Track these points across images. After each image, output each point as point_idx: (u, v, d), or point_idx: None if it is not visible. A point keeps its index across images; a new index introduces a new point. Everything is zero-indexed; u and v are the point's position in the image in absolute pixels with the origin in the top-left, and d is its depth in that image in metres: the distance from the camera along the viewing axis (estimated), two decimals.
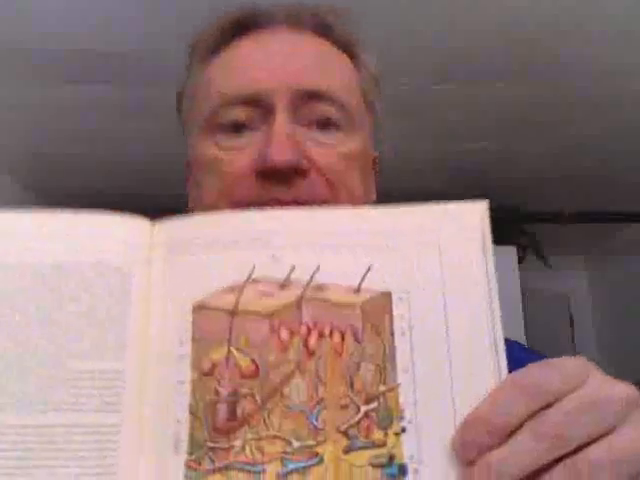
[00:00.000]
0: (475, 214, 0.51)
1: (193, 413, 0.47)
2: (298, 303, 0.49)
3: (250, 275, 0.49)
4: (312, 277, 0.49)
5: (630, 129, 2.97)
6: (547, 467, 0.43)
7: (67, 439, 0.46)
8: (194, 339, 0.49)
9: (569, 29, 2.24)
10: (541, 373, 0.45)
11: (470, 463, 0.44)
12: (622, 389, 0.44)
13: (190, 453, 0.47)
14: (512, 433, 0.43)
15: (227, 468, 0.46)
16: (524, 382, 0.45)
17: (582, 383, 0.44)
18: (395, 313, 0.49)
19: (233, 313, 0.48)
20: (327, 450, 0.46)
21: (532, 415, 0.44)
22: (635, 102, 2.73)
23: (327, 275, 0.49)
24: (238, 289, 0.49)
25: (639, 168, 3.36)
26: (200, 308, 0.49)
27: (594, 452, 0.42)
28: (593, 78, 2.55)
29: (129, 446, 0.47)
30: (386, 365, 0.48)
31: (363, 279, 0.49)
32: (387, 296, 0.49)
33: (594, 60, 2.42)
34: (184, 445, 0.47)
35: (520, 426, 0.44)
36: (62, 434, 0.46)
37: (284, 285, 0.49)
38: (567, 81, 2.57)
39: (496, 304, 0.49)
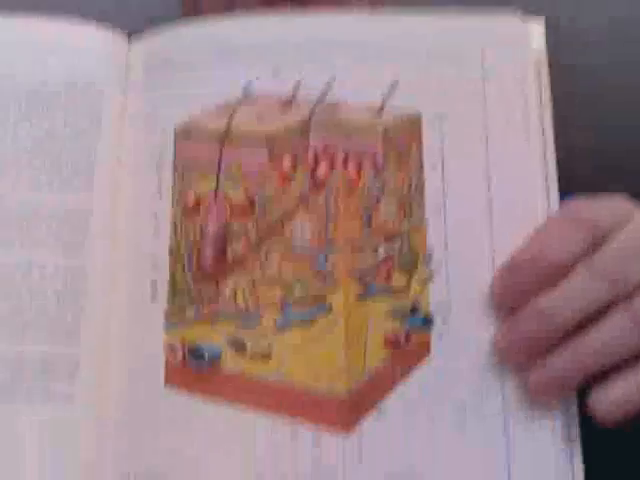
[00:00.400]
0: (529, 32, 0.42)
1: (174, 254, 0.38)
2: (304, 126, 0.39)
3: (245, 93, 0.40)
4: (323, 93, 0.40)
5: None
6: (600, 312, 0.34)
7: (25, 279, 0.38)
8: (176, 169, 0.40)
9: None
10: (592, 208, 0.36)
11: (512, 311, 0.36)
12: None
13: (170, 301, 0.38)
14: (562, 274, 0.35)
15: (214, 317, 0.37)
16: (579, 216, 0.36)
17: (630, 219, 0.36)
18: (425, 141, 0.39)
19: (224, 138, 0.39)
20: (336, 298, 0.37)
21: (585, 253, 0.35)
22: None
23: (342, 91, 0.40)
24: (230, 110, 0.40)
25: None
26: (184, 133, 0.40)
27: None
28: None
29: (97, 292, 0.38)
30: (412, 202, 0.39)
31: (387, 97, 0.40)
32: (416, 120, 0.40)
33: None
34: (163, 292, 0.38)
35: (571, 266, 0.35)
36: (17, 273, 0.38)
37: (287, 104, 0.40)
38: None
39: (550, 137, 0.40)
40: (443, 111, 0.40)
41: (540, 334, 0.35)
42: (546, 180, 0.40)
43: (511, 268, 0.36)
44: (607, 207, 0.37)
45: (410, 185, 0.39)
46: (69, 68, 0.42)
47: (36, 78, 0.41)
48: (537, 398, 0.36)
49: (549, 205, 0.39)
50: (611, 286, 0.34)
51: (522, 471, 0.36)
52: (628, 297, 0.34)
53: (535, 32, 0.42)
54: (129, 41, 0.44)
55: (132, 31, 0.45)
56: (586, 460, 0.36)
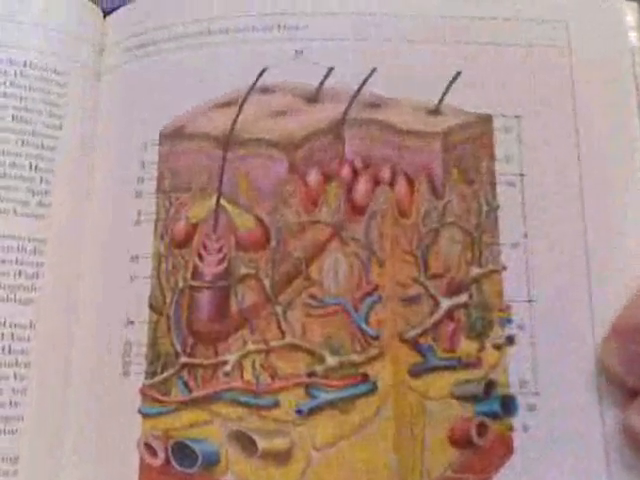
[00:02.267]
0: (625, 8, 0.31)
1: (156, 308, 0.27)
2: (338, 127, 0.28)
3: (257, 81, 0.29)
4: (362, 84, 0.29)
5: None
6: None
7: None
8: (161, 187, 0.29)
9: None
10: None
11: (637, 392, 0.25)
12: None
13: (148, 375, 0.27)
14: None
15: (211, 400, 0.26)
16: None
17: None
18: (498, 150, 0.28)
19: (227, 143, 0.28)
20: (383, 371, 0.26)
21: None
22: None
23: (387, 83, 0.29)
24: (236, 104, 0.29)
25: None
26: (172, 136, 0.29)
27: None
28: None
29: (46, 363, 0.27)
30: (482, 235, 0.28)
31: (447, 91, 0.29)
32: (486, 122, 0.29)
33: None
34: (138, 361, 0.27)
35: None
36: None
37: (315, 98, 0.29)
38: None
39: None
40: (519, 111, 0.29)
41: None
42: None
43: (631, 330, 0.26)
44: None
45: (480, 211, 0.28)
46: (22, 46, 0.30)
47: None
48: None
49: None
50: None
51: None
52: None
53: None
54: (104, 17, 0.32)
55: (109, 8, 0.33)
56: None
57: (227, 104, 0.29)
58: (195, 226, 0.28)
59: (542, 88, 0.29)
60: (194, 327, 0.27)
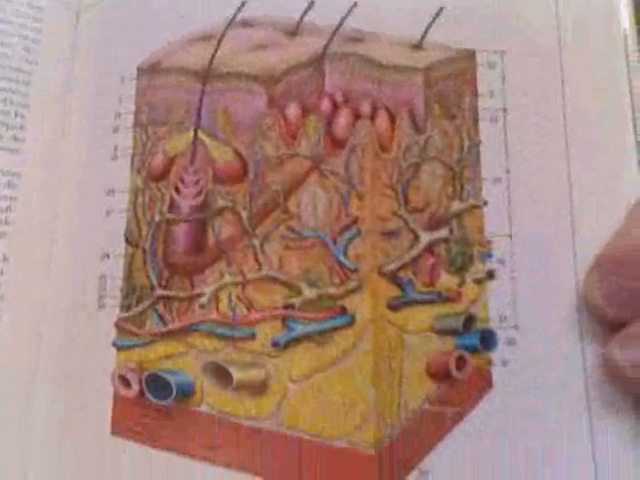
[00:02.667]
0: None
1: (132, 239, 0.27)
2: (319, 61, 0.28)
3: (236, 14, 0.28)
4: (344, 19, 0.28)
5: None
6: None
7: None
8: (138, 121, 0.28)
9: None
10: None
11: (618, 326, 0.25)
12: None
13: (124, 308, 0.26)
14: None
15: (186, 332, 0.26)
16: None
17: None
18: (481, 86, 0.28)
19: (205, 77, 0.28)
20: (362, 304, 0.26)
21: None
22: None
23: (369, 18, 0.28)
24: (215, 38, 0.28)
25: None
26: (150, 70, 0.29)
27: None
28: None
29: (21, 293, 0.27)
30: (464, 170, 0.27)
31: (429, 26, 0.28)
32: (469, 57, 0.28)
33: None
34: (114, 294, 0.26)
35: None
36: None
37: (296, 31, 0.28)
38: None
39: None
40: (503, 47, 0.28)
41: None
42: None
43: (614, 262, 0.25)
44: None
45: (462, 147, 0.27)
46: None
47: None
48: None
49: None
50: None
51: None
52: None
53: None
54: None
55: None
56: None
57: (206, 38, 0.29)
58: (172, 159, 0.27)
59: (527, 22, 0.29)
60: (170, 260, 0.26)
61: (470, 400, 0.26)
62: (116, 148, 0.28)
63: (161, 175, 0.27)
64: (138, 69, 0.29)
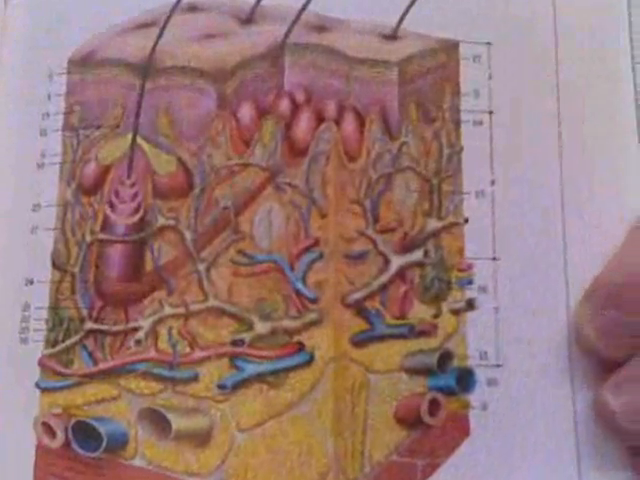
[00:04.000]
0: None
1: (60, 265, 0.23)
2: (277, 53, 0.24)
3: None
4: (307, 3, 0.24)
5: None
6: None
7: None
8: (68, 123, 0.24)
9: None
10: None
11: (613, 366, 0.22)
12: None
13: (50, 343, 0.23)
14: None
15: (121, 372, 0.22)
16: None
17: None
18: (465, 84, 0.24)
19: (145, 71, 0.24)
20: (322, 339, 0.22)
21: None
22: None
23: (336, 1, 0.24)
24: (157, 25, 0.24)
25: None
26: (82, 63, 0.25)
27: None
28: None
29: None
30: (443, 182, 0.23)
31: (407, 12, 0.24)
32: (451, 49, 0.24)
33: None
34: (38, 326, 0.23)
35: None
36: None
37: (251, 18, 0.24)
38: None
39: None
40: (490, 37, 0.24)
41: None
42: None
43: (609, 293, 0.22)
44: None
45: (441, 155, 0.24)
46: None
47: None
48: None
49: None
50: None
51: None
52: None
53: None
54: None
55: None
56: None
57: (147, 25, 0.24)
58: (107, 169, 0.24)
59: (518, 10, 0.25)
60: (102, 287, 0.23)
61: (444, 449, 0.22)
62: (43, 154, 0.24)
63: (93, 187, 0.24)
64: (69, 62, 0.25)
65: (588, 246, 0.23)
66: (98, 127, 0.24)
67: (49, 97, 0.25)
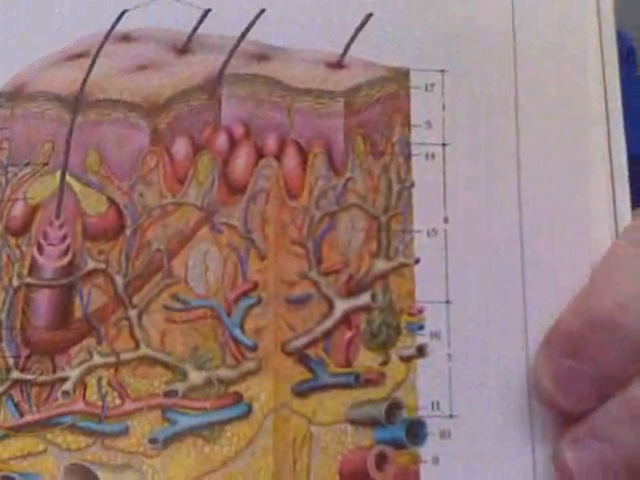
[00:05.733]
0: None
1: None
2: (214, 85, 0.23)
3: (114, 26, 0.23)
4: (247, 30, 0.23)
5: None
6: None
7: None
8: None
9: None
10: None
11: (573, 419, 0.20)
12: None
13: None
14: None
15: (47, 425, 0.21)
16: None
17: None
18: (416, 115, 0.23)
19: (76, 105, 0.22)
20: (261, 390, 0.21)
21: None
22: None
23: (278, 29, 0.23)
24: (89, 55, 0.23)
25: None
26: (12, 97, 0.23)
27: None
28: None
29: None
30: (392, 220, 0.22)
31: (354, 38, 0.23)
32: (401, 77, 0.23)
33: None
34: None
35: None
36: None
37: (186, 48, 0.23)
38: None
39: (618, 117, 0.24)
40: (444, 65, 0.23)
41: None
42: (612, 181, 0.23)
43: (564, 340, 0.20)
44: None
45: (390, 191, 0.22)
46: None
47: None
48: None
49: (616, 221, 0.23)
50: None
51: None
52: None
53: None
54: None
55: None
56: None
57: (79, 55, 0.23)
58: (35, 209, 0.22)
59: (474, 35, 0.23)
60: (29, 335, 0.22)
61: None
62: None
63: (21, 228, 0.22)
64: (0, 94, 0.23)
65: (549, 288, 0.22)
66: (27, 164, 0.23)
67: None
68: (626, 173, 0.24)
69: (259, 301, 0.22)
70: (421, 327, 0.22)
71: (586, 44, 0.24)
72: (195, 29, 0.23)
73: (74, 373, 0.22)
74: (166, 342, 0.22)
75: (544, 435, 0.21)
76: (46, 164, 0.23)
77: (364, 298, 0.22)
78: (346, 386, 0.22)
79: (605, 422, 0.20)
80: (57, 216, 0.22)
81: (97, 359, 0.22)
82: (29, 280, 0.22)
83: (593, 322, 0.21)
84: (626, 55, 0.43)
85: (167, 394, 0.21)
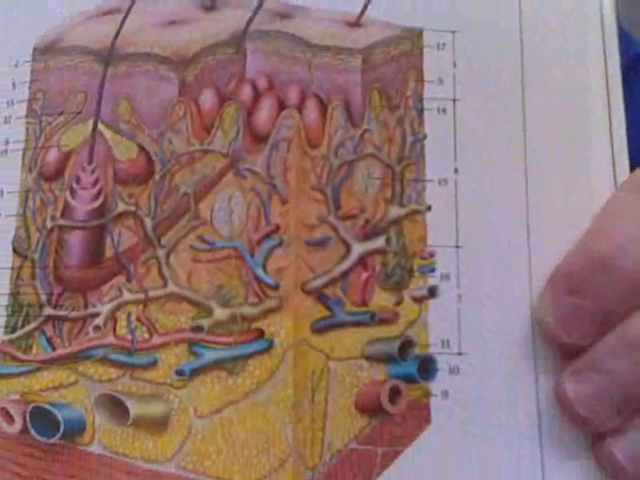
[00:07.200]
0: None
1: (20, 251, 0.23)
2: (239, 40, 0.24)
3: None
4: None
5: None
6: None
7: None
8: (32, 110, 0.24)
9: None
10: None
11: (575, 354, 0.21)
12: None
13: (10, 328, 0.23)
14: None
15: (79, 358, 0.22)
16: None
17: None
18: (429, 72, 0.24)
19: (107, 57, 0.24)
20: (282, 326, 0.22)
21: None
22: None
23: None
24: (121, 12, 0.24)
25: None
26: (47, 51, 0.25)
27: None
28: None
29: None
30: (405, 169, 0.23)
31: (369, 2, 0.24)
32: (415, 37, 0.24)
33: None
34: None
35: None
36: None
37: (213, 4, 0.24)
38: None
39: (616, 71, 0.25)
40: (455, 25, 0.24)
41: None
42: (610, 136, 0.25)
43: (567, 279, 0.22)
44: None
45: (404, 142, 0.24)
46: None
47: None
48: None
49: (615, 174, 0.24)
50: None
51: None
52: None
53: None
54: None
55: None
56: None
57: (111, 11, 0.25)
58: (68, 155, 0.24)
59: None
60: (62, 273, 0.23)
61: (405, 438, 0.22)
62: (7, 142, 0.24)
63: (55, 174, 0.24)
64: (34, 49, 0.25)
65: (552, 234, 0.23)
66: (60, 114, 0.24)
67: (14, 85, 0.25)
68: (624, 133, 0.25)
69: (280, 243, 0.23)
70: (432, 270, 0.23)
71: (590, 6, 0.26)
72: None
73: (105, 309, 0.23)
74: (192, 280, 0.23)
75: (547, 369, 0.23)
76: (79, 113, 0.24)
77: (379, 242, 0.23)
78: (362, 324, 0.23)
79: (603, 354, 0.22)
80: (89, 162, 0.24)
81: (127, 296, 0.23)
82: (62, 222, 0.23)
83: (594, 262, 0.22)
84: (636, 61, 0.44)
85: (193, 329, 0.23)
